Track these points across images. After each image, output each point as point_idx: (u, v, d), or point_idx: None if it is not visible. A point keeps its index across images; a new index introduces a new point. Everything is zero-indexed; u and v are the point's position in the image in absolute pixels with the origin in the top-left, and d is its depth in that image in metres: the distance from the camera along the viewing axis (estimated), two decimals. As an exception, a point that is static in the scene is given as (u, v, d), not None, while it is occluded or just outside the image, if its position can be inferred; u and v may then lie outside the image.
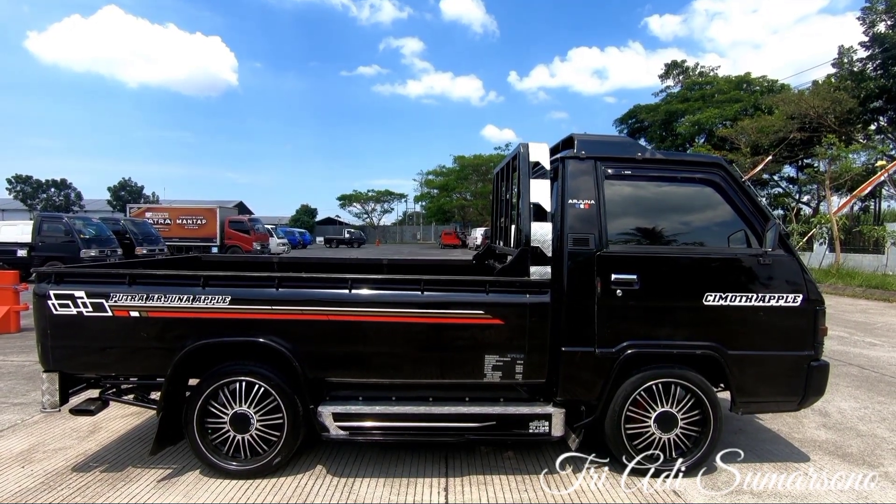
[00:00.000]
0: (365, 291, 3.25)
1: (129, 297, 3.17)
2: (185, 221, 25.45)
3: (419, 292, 3.25)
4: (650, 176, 3.47)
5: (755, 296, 3.28)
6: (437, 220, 64.38)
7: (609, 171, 3.42)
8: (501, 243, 4.88)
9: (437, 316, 3.22)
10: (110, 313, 3.17)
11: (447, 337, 3.24)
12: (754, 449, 3.86)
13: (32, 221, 15.41)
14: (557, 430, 3.31)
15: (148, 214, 25.31)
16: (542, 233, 3.28)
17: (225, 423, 3.31)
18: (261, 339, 3.20)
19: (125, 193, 59.06)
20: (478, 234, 41.05)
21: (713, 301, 3.27)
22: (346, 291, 3.23)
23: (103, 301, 3.17)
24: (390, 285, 3.29)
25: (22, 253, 14.92)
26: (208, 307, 3.18)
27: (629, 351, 3.26)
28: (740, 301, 3.27)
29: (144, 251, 18.03)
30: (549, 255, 3.28)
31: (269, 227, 29.67)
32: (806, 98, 24.72)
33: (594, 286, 3.25)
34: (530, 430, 3.31)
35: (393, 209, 74.23)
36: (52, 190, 58.58)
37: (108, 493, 3.14)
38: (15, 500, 3.02)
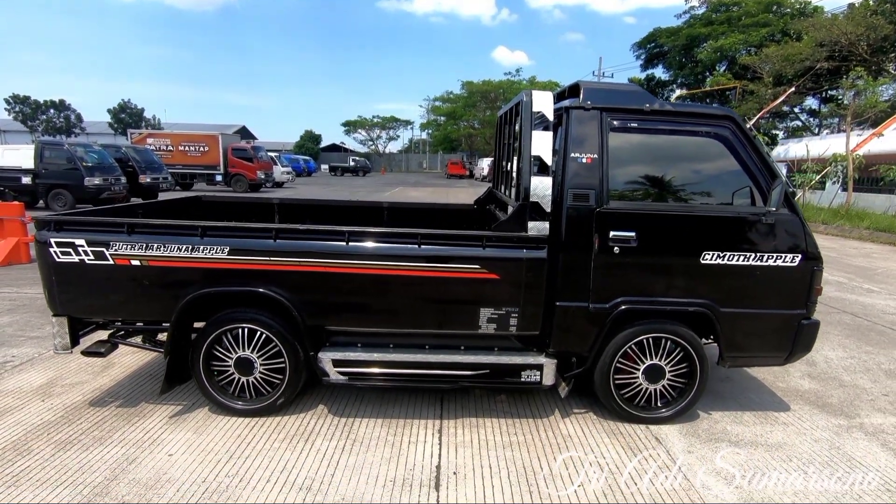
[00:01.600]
0: (362, 244, 3.26)
1: (129, 247, 3.21)
2: (187, 148, 25.07)
3: (416, 245, 3.26)
4: (657, 129, 3.35)
5: (754, 255, 3.27)
6: (444, 149, 63.16)
7: (615, 122, 3.30)
8: (503, 189, 4.81)
9: (434, 269, 3.25)
10: (112, 262, 3.22)
11: (443, 290, 3.29)
12: (738, 398, 4.02)
13: (34, 147, 15.24)
14: (548, 379, 3.45)
15: (150, 141, 24.91)
16: (542, 187, 3.22)
17: (230, 366, 3.46)
18: (260, 289, 3.27)
19: (125, 116, 57.84)
20: (484, 165, 40.43)
21: (710, 260, 3.26)
22: (343, 244, 3.25)
23: (104, 250, 3.21)
24: (387, 238, 3.29)
25: (26, 180, 14.91)
26: (207, 257, 3.22)
27: (622, 307, 3.31)
28: (738, 260, 3.27)
29: (148, 179, 17.95)
30: (548, 210, 3.24)
31: (272, 154, 29.21)
32: (839, 23, 23.19)
33: (592, 243, 3.24)
34: (522, 379, 3.45)
35: (399, 136, 72.71)
36: (52, 111, 57.42)
37: (123, 426, 3.35)
38: (39, 433, 3.23)
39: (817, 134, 28.79)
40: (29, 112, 56.31)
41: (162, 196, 15.59)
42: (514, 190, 3.74)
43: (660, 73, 39.88)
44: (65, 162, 15.01)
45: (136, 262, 3.23)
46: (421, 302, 3.33)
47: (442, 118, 59.91)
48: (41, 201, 15.04)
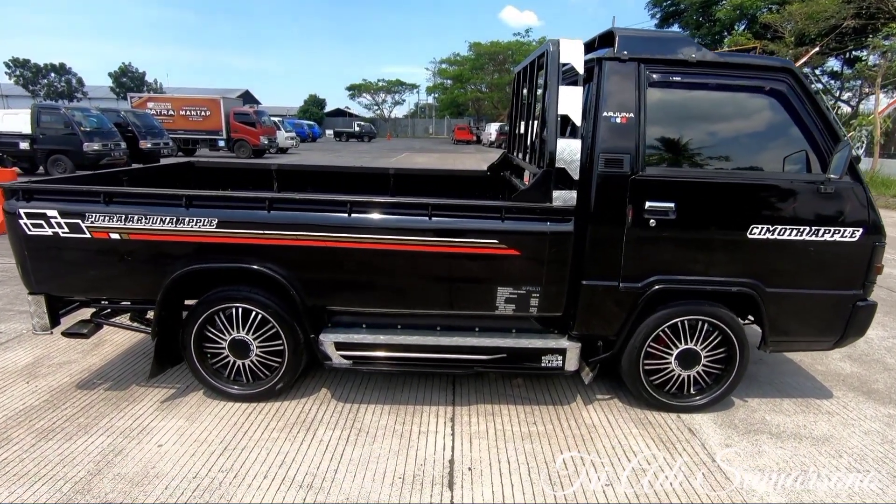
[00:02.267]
0: (366, 215, 2.91)
1: (107, 218, 2.87)
2: (188, 113, 24.44)
3: (426, 217, 2.90)
4: (702, 83, 2.91)
5: (808, 229, 2.89)
6: (451, 114, 61.76)
7: (654, 76, 2.87)
8: (519, 154, 4.41)
9: (447, 245, 2.90)
10: (88, 235, 2.90)
11: (456, 267, 2.96)
12: (774, 382, 3.71)
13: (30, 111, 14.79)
14: (571, 364, 3.14)
15: (150, 105, 24.29)
16: (569, 151, 2.83)
17: (224, 348, 3.18)
18: (254, 266, 2.94)
19: (127, 80, 56.74)
20: (492, 130, 39.42)
21: (758, 234, 2.88)
22: (345, 216, 2.89)
23: (79, 222, 2.88)
24: (394, 209, 2.94)
25: (24, 145, 14.52)
26: (194, 230, 2.89)
27: (656, 287, 2.97)
28: (790, 235, 2.89)
29: (149, 145, 17.50)
30: (576, 177, 2.86)
31: (275, 119, 28.49)
32: (870, -23, 21.79)
33: (624, 215, 2.87)
34: (543, 364, 3.14)
35: (404, 101, 71.24)
36: (52, 75, 56.40)
37: (111, 413, 3.10)
38: (20, 420, 2.99)
39: (838, 97, 27.64)
40: (30, 76, 55.35)
41: (164, 163, 15.19)
42: (532, 155, 3.34)
43: (676, 32, 38.21)
44: (62, 127, 14.57)
45: (115, 236, 2.90)
46: (431, 280, 3.00)
47: (448, 81, 58.31)
48: (41, 167, 14.72)
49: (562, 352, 3.12)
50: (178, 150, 21.46)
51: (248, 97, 60.99)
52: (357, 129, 49.64)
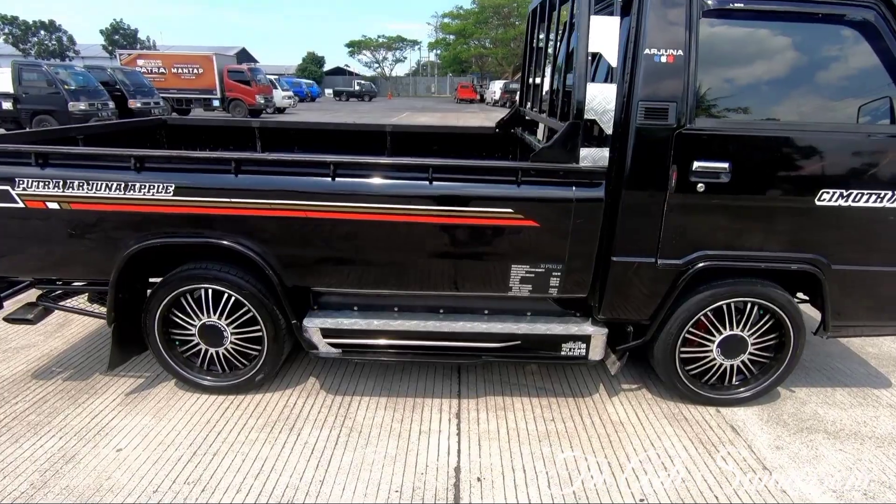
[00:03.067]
0: (354, 179, 2.42)
1: (42, 184, 2.39)
2: (180, 70, 23.42)
3: (426, 182, 2.40)
4: (768, 11, 2.34)
5: (891, 194, 2.38)
6: (453, 71, 59.77)
7: (709, 2, 2.30)
8: (532, 107, 3.86)
9: (451, 215, 2.41)
10: (21, 204, 2.42)
11: (463, 242, 2.48)
12: (823, 368, 3.28)
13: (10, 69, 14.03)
14: (596, 353, 2.70)
15: (139, 62, 23.27)
16: (601, 99, 2.29)
17: (193, 334, 2.75)
18: (221, 241, 2.47)
19: (119, 37, 54.87)
20: (496, 88, 38.00)
21: (829, 201, 2.38)
22: (329, 180, 2.40)
23: (8, 189, 2.39)
24: (388, 172, 2.43)
25: (7, 105, 13.84)
26: (147, 198, 2.40)
27: (701, 264, 2.49)
28: (867, 201, 2.38)
29: (138, 104, 16.74)
30: (609, 131, 2.34)
31: (271, 77, 27.37)
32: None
33: (667, 177, 2.36)
34: (563, 353, 2.71)
35: (406, 58, 68.97)
36: (42, 33, 54.51)
37: (67, 408, 2.71)
38: (-42, 419, 2.60)
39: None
40: (19, 34, 53.52)
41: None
42: (553, 106, 2.80)
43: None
44: (45, 85, 13.86)
45: (53, 206, 2.42)
46: (432, 258, 2.53)
47: (451, 37, 56.10)
48: (27, 129, 14.09)
49: (585, 339, 2.68)
50: (171, 110, 20.65)
51: (244, 56, 58.95)
52: (357, 88, 48.09)
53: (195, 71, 23.32)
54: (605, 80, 2.53)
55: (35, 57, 51.27)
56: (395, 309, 2.80)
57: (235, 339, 2.75)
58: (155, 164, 2.41)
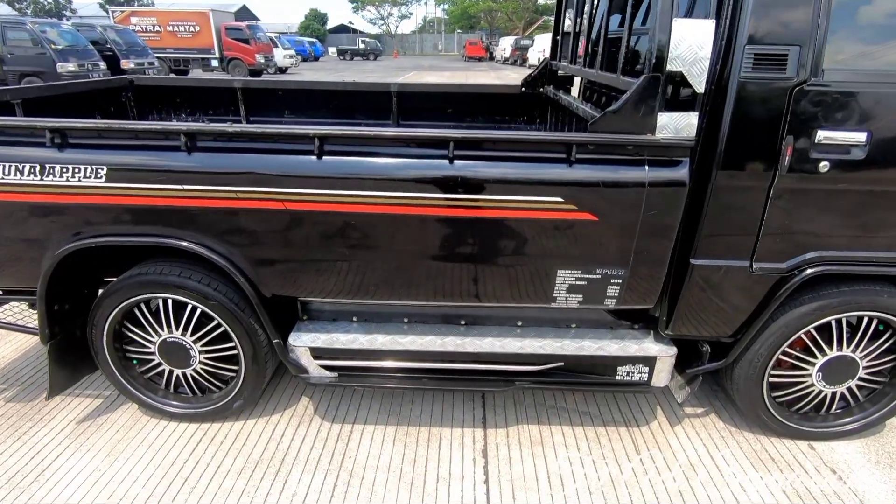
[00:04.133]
0: (347, 159, 1.79)
1: (-67, 167, 1.79)
2: (176, 28, 22.31)
3: (446, 160, 1.77)
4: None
5: None
6: (461, 28, 57.36)
7: None
8: (565, 61, 3.18)
9: (478, 206, 1.79)
10: None
11: (492, 242, 1.87)
12: (929, 383, 2.67)
13: (-7, 28, 13.20)
14: (661, 378, 2.12)
15: (133, 20, 22.18)
16: (692, 42, 1.62)
17: (153, 353, 2.20)
18: (171, 241, 1.88)
19: (116, -5, 52.82)
20: (506, 45, 36.34)
21: None
22: (313, 159, 1.77)
23: None
24: (393, 147, 1.80)
25: (-8, 67, 13.11)
26: (73, 185, 1.80)
27: (812, 269, 1.86)
28: None
29: (131, 65, 15.87)
30: (700, 88, 1.67)
31: (271, 36, 26.09)
32: None
33: (778, 152, 1.71)
34: (618, 378, 2.13)
35: (411, 14, 66.19)
36: (36, -9, 52.63)
37: (5, 441, 2.20)
38: None
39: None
40: (12, -8, 51.74)
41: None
42: (608, 57, 2.12)
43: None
44: (31, 44, 13.06)
45: (-50, 195, 1.83)
46: (453, 262, 1.92)
47: (460, -10, 53.53)
48: (14, 92, 13.37)
49: (649, 361, 2.09)
50: (168, 70, 19.75)
51: (245, 13, 56.80)
52: (362, 46, 46.23)
53: (191, 29, 22.23)
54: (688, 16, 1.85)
55: (32, 16, 49.70)
56: (405, 321, 2.22)
57: (206, 358, 2.20)
58: (80, 139, 1.80)
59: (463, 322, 2.21)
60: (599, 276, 1.91)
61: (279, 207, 1.81)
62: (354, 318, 2.23)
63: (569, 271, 1.91)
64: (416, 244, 1.88)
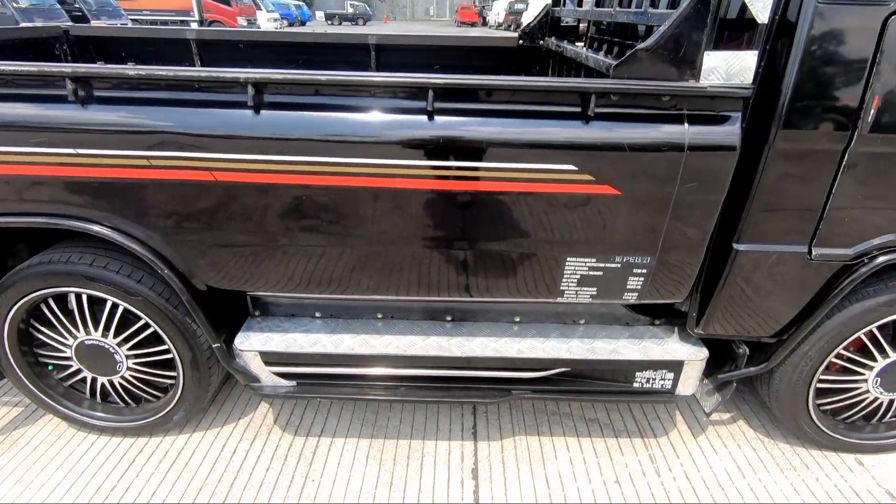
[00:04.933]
0: (291, 113, 1.36)
1: None
2: (152, -12, 21.12)
3: (423, 116, 1.34)
4: None
5: None
6: (454, -9, 55.32)
7: None
8: (571, 4, 2.73)
9: (467, 176, 1.38)
10: None
11: (488, 222, 1.46)
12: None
13: (-53, -16, 12.24)
14: (688, 385, 1.76)
15: (105, -22, 20.92)
16: (755, -46, 1.19)
17: (70, 356, 1.80)
18: (64, 221, 1.45)
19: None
20: (500, 10, 34.99)
21: None
22: (249, 113, 1.34)
23: None
24: (351, 98, 1.37)
25: (-51, 27, 12.22)
26: (-70, 149, 1.36)
27: (882, 257, 1.49)
28: None
29: (102, 26, 14.94)
30: (764, 19, 1.25)
31: (254, -3, 24.84)
32: None
33: (860, 105, 1.30)
34: (635, 386, 1.77)
35: (402, -24, 63.54)
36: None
37: None
38: None
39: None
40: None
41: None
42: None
43: None
44: (-10, 3, 12.15)
45: None
46: (435, 247, 1.52)
47: (452, -49, 51.34)
48: (-26, 56, 12.54)
49: (674, 366, 1.72)
50: (143, 34, 18.69)
51: (227, -26, 54.38)
52: (350, 10, 44.49)
53: (168, -11, 21.01)
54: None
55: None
56: (379, 316, 1.83)
57: (136, 364, 1.80)
58: (-65, 88, 1.35)
59: (449, 319, 1.82)
60: (619, 266, 1.52)
61: (206, 178, 1.38)
62: (317, 314, 1.83)
63: (581, 259, 1.51)
64: (382, 225, 1.46)
